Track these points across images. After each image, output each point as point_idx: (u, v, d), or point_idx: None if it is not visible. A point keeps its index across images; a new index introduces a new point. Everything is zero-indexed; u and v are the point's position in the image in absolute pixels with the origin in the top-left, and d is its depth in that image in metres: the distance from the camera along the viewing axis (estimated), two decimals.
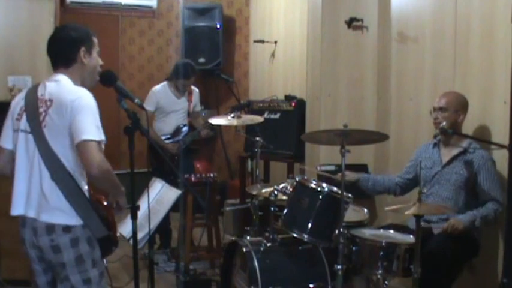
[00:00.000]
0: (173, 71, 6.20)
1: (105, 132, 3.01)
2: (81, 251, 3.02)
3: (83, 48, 3.14)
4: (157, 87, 6.24)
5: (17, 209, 3.06)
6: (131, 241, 3.33)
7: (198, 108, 6.48)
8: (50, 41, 3.18)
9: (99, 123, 3.00)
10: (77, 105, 2.95)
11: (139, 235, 3.42)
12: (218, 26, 8.38)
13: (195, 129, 6.27)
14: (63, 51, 3.13)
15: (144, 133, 3.39)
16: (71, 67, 3.13)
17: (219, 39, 8.39)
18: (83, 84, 3.14)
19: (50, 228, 2.98)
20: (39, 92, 3.08)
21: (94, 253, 3.07)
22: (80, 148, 2.92)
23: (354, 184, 4.50)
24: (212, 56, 8.33)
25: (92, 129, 2.94)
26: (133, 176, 3.25)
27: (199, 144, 6.52)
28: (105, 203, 3.23)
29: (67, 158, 2.99)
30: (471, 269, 4.20)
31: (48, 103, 3.02)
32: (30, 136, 3.03)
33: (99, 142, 2.97)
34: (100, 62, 3.26)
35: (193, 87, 6.35)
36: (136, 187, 3.26)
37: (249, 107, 6.71)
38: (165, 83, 6.27)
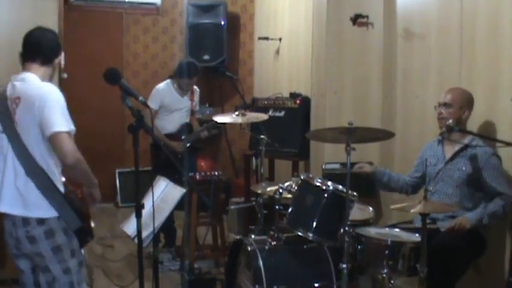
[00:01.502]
0: (176, 70, 6.18)
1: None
2: (58, 242, 3.19)
3: (59, 56, 3.38)
4: (161, 85, 6.22)
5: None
6: (136, 240, 3.33)
7: (197, 107, 6.46)
8: (33, 37, 3.33)
9: (67, 115, 3.13)
10: (44, 99, 3.10)
11: (144, 234, 3.43)
12: (222, 23, 8.37)
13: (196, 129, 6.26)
14: (47, 50, 3.31)
15: (148, 131, 3.45)
16: (45, 67, 3.30)
17: (224, 36, 8.38)
18: None
19: (26, 221, 3.15)
20: (8, 92, 3.22)
21: (72, 243, 3.25)
22: (52, 140, 3.07)
23: (369, 176, 4.48)
24: (216, 53, 8.31)
25: (61, 120, 3.08)
26: (137, 174, 3.24)
27: (203, 142, 6.50)
28: (80, 196, 3.36)
29: (40, 153, 3.13)
30: (477, 268, 4.18)
31: (17, 101, 3.16)
32: (3, 135, 3.17)
33: (69, 132, 3.10)
34: None
35: (194, 87, 6.34)
36: (141, 185, 3.26)
37: (254, 105, 6.71)
38: (168, 81, 6.26)
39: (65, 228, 3.20)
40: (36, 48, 3.31)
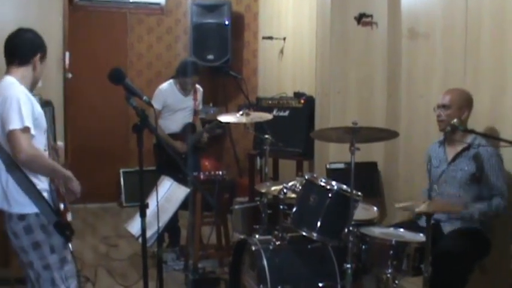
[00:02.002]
0: (178, 69, 6.18)
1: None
2: (37, 238, 3.26)
3: (39, 54, 3.37)
4: (164, 85, 6.22)
5: None
6: (140, 239, 3.33)
7: (200, 107, 6.45)
8: (9, 39, 3.38)
9: (24, 111, 3.13)
10: (4, 98, 3.15)
11: (148, 233, 3.44)
12: (226, 23, 8.37)
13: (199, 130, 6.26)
14: (21, 50, 3.34)
15: (152, 131, 3.48)
16: (23, 67, 3.33)
17: (228, 36, 8.38)
18: (29, 87, 3.33)
19: (9, 216, 3.29)
20: None
21: (51, 240, 3.28)
22: (8, 139, 3.12)
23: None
24: (221, 53, 8.32)
25: (14, 118, 3.11)
26: (142, 173, 3.24)
27: (206, 142, 6.49)
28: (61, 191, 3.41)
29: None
30: (482, 269, 4.16)
31: None
32: None
33: (23, 129, 3.11)
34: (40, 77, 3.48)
35: (197, 86, 6.33)
36: (145, 185, 3.26)
37: (258, 105, 6.70)
38: (171, 81, 6.25)
39: (43, 225, 3.25)
40: (12, 50, 3.36)
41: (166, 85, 6.22)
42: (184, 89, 6.17)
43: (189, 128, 6.19)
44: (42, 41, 3.45)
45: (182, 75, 6.09)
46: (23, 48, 3.35)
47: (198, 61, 6.37)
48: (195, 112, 6.31)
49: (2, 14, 5.39)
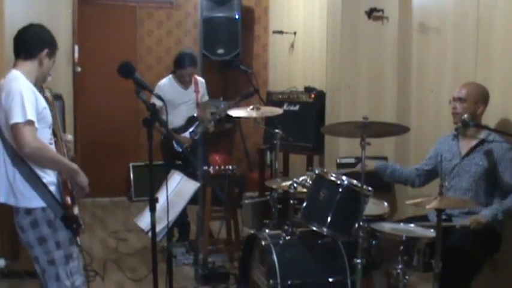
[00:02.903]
0: (174, 62, 6.16)
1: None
2: (43, 233, 3.26)
3: (47, 50, 3.36)
4: (163, 81, 6.19)
5: None
6: (150, 234, 3.33)
7: (206, 98, 6.40)
8: (19, 33, 3.39)
9: (26, 104, 3.12)
10: (8, 92, 3.16)
11: (158, 228, 3.43)
12: (237, 17, 8.33)
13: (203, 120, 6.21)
14: (28, 44, 3.35)
15: (163, 124, 3.59)
16: (29, 61, 3.33)
17: (238, 29, 8.35)
18: (35, 82, 3.33)
19: (16, 210, 3.29)
20: None
21: (57, 235, 3.28)
22: (12, 133, 3.12)
23: (371, 172, 4.45)
24: (231, 47, 8.29)
25: (16, 112, 3.10)
26: (151, 168, 3.23)
27: (216, 135, 6.46)
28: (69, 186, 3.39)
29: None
30: (492, 265, 4.15)
31: None
32: None
33: (26, 123, 3.10)
34: (50, 73, 3.49)
35: (198, 78, 6.31)
36: (155, 179, 3.25)
37: (268, 99, 6.69)
38: (170, 76, 6.22)
39: (49, 220, 3.26)
40: (20, 44, 3.37)
41: (165, 80, 6.19)
42: (183, 82, 6.14)
43: (193, 120, 6.15)
44: (52, 37, 3.44)
45: (178, 67, 6.07)
46: (30, 43, 3.34)
47: (193, 53, 6.35)
48: (197, 105, 6.26)
49: (12, 8, 5.38)
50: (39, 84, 3.40)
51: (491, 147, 4.04)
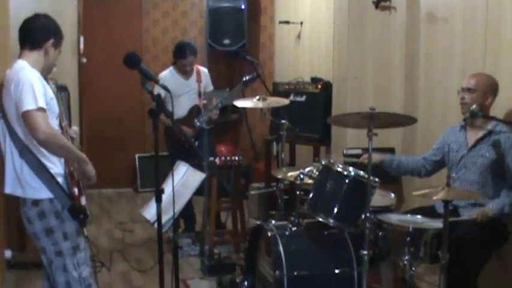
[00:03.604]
0: (174, 52, 6.14)
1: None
2: (50, 224, 3.27)
3: (52, 40, 3.35)
4: (164, 72, 6.17)
5: (4, 187, 3.37)
6: (156, 225, 3.32)
7: (210, 88, 6.38)
8: (24, 23, 3.38)
9: (37, 93, 3.12)
10: (17, 81, 3.15)
11: (164, 219, 3.43)
12: (243, 7, 8.30)
13: (207, 110, 6.18)
14: (34, 34, 3.34)
15: (168, 115, 3.53)
16: (34, 51, 3.33)
17: (244, 20, 8.32)
18: (41, 72, 3.32)
19: (23, 201, 3.30)
20: (5, 79, 3.28)
21: (64, 226, 3.29)
22: (24, 120, 3.12)
23: (378, 166, 4.43)
24: (237, 38, 8.26)
25: (27, 99, 3.10)
26: (157, 158, 3.22)
27: (222, 125, 6.44)
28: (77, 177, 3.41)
29: (24, 134, 3.20)
30: (500, 256, 4.13)
31: (5, 87, 3.25)
32: (1, 121, 3.29)
33: (38, 109, 3.10)
34: (56, 63, 3.48)
35: (200, 67, 6.29)
36: (161, 170, 3.25)
37: (274, 90, 6.67)
38: (171, 67, 6.21)
39: (57, 211, 3.26)
40: (25, 34, 3.36)
41: (166, 72, 6.17)
42: (184, 72, 6.12)
43: (196, 110, 6.13)
44: (57, 27, 3.43)
45: (179, 57, 6.05)
46: (35, 32, 3.33)
47: (192, 42, 6.32)
48: (200, 94, 6.24)
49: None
50: (45, 75, 3.39)
51: (499, 139, 4.01)
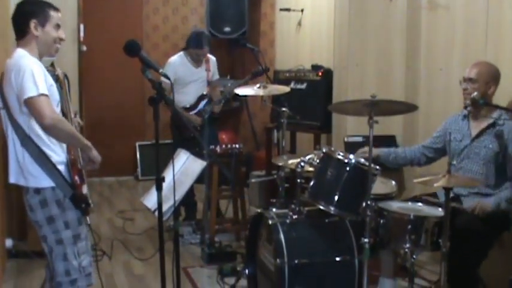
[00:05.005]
0: (189, 40, 6.11)
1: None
2: (51, 212, 3.28)
3: (34, 21, 3.29)
4: (174, 57, 6.15)
5: (9, 177, 3.38)
6: (156, 213, 3.32)
7: (216, 76, 6.37)
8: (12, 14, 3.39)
9: (37, 79, 3.12)
10: (17, 69, 3.15)
11: (164, 207, 3.42)
12: None
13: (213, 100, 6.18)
14: (15, 23, 3.35)
15: (169, 103, 3.51)
16: (25, 38, 3.31)
17: (245, 7, 8.30)
18: (40, 56, 3.32)
19: (26, 190, 3.32)
20: (5, 69, 3.28)
21: (66, 215, 3.30)
22: (28, 107, 3.12)
23: (375, 160, 4.41)
24: (237, 25, 8.25)
25: (29, 86, 3.10)
26: (158, 147, 3.22)
27: (223, 113, 6.43)
28: (79, 166, 3.41)
29: (24, 122, 3.21)
30: (501, 243, 4.12)
31: (5, 76, 3.25)
32: (3, 111, 3.29)
33: (40, 95, 3.10)
34: (60, 35, 3.39)
35: (210, 56, 6.26)
36: (161, 158, 3.24)
37: (275, 77, 6.65)
38: (181, 53, 6.18)
39: (58, 200, 3.27)
40: (13, 26, 3.36)
41: (177, 57, 6.14)
42: (196, 61, 6.11)
43: (203, 99, 6.12)
44: (36, 6, 3.32)
45: (195, 46, 6.02)
46: (16, 21, 3.33)
47: (206, 31, 6.31)
48: (208, 83, 6.23)
49: None
50: (52, 52, 3.39)
51: (502, 129, 3.99)
